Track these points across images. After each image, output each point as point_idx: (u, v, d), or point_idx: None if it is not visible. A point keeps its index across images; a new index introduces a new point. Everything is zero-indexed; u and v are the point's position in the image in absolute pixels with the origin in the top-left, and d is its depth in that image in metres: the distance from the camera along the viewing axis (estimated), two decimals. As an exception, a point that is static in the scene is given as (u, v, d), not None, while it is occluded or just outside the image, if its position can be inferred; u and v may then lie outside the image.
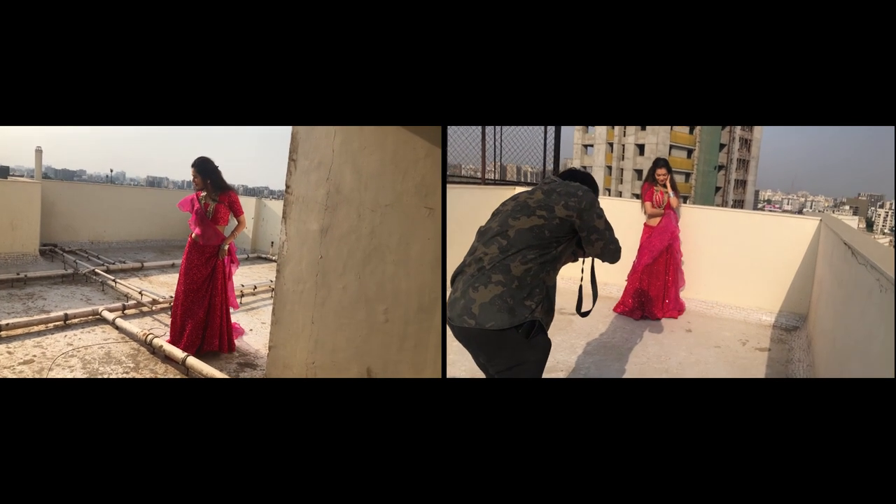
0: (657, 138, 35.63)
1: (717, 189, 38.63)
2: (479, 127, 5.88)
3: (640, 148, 36.64)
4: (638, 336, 3.91)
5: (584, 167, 38.05)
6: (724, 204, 37.75)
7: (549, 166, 5.95)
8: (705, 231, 4.65)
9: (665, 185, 4.23)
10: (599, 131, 38.67)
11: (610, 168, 37.89)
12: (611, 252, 1.72)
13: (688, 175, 36.66)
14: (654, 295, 4.30)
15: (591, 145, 39.73)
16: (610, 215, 1.75)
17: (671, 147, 35.90)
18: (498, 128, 5.99)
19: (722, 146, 38.51)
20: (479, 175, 6.14)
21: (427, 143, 1.96)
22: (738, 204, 39.14)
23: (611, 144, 38.02)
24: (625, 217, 4.52)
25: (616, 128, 36.98)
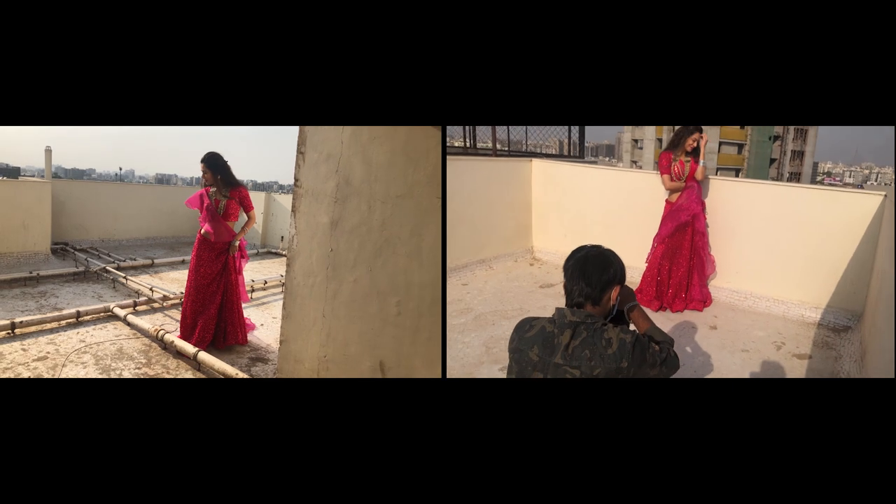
0: (707, 134, 33.99)
1: (773, 161, 35.41)
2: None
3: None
4: (650, 333, 3.45)
5: (634, 162, 36.24)
6: (779, 177, 34.34)
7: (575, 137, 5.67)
8: (738, 208, 3.86)
9: (690, 153, 3.60)
10: (648, 128, 36.32)
11: (661, 141, 34.80)
12: (669, 374, 1.46)
13: (741, 146, 34.12)
14: (675, 284, 3.69)
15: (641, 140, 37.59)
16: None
17: (721, 143, 33.57)
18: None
19: (778, 115, 36.26)
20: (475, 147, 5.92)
21: (439, 133, 1.93)
22: (795, 177, 35.75)
23: (660, 140, 35.49)
24: (644, 194, 3.91)
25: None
